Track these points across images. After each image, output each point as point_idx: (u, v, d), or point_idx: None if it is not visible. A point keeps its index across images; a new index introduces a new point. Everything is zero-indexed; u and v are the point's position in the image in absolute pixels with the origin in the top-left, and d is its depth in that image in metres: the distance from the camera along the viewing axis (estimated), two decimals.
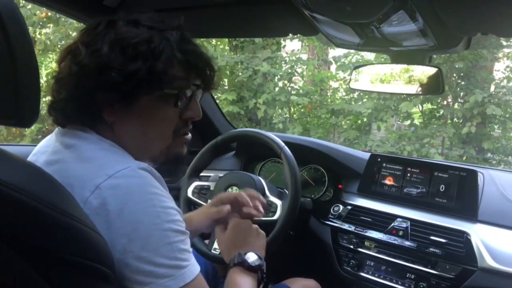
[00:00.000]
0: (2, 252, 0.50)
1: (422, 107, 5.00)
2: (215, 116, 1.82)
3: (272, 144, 1.29)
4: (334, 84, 5.73)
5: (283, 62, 5.60)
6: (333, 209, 1.45)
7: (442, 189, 1.30)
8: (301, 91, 5.45)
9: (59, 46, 5.03)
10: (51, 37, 5.06)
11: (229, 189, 1.29)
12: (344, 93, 5.64)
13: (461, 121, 4.74)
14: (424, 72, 1.12)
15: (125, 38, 0.68)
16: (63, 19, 4.93)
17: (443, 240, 1.21)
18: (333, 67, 5.69)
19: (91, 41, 0.69)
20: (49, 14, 4.98)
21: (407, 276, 1.24)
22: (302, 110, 5.55)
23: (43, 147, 0.76)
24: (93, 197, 0.62)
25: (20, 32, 0.48)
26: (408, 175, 1.38)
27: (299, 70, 5.74)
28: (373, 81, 1.20)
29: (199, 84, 0.77)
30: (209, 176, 1.57)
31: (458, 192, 1.27)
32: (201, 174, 1.41)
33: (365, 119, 5.16)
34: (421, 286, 1.19)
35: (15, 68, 0.48)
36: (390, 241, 1.28)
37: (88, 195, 0.63)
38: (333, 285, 1.32)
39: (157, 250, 0.62)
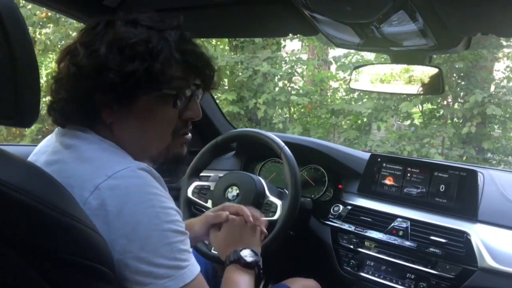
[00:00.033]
0: (2, 252, 0.50)
1: (422, 107, 5.00)
2: (215, 116, 1.82)
3: (272, 144, 1.29)
4: (334, 84, 5.74)
5: (283, 62, 5.60)
6: (333, 209, 1.45)
7: (442, 189, 1.30)
8: (301, 91, 5.45)
9: (59, 46, 5.03)
10: (51, 37, 5.06)
11: (229, 189, 1.29)
12: (344, 93, 5.64)
13: (461, 121, 4.75)
14: (424, 72, 1.12)
15: (123, 39, 0.68)
16: (63, 19, 4.93)
17: (443, 240, 1.21)
18: (333, 67, 5.69)
19: (89, 42, 0.69)
20: (49, 14, 4.98)
21: (407, 276, 1.24)
22: (302, 110, 5.55)
23: (43, 147, 0.76)
24: (92, 197, 0.62)
25: (20, 32, 0.48)
26: (408, 175, 1.38)
27: (299, 70, 5.75)
28: (373, 81, 1.20)
29: (198, 84, 0.77)
30: (209, 176, 1.57)
31: (458, 192, 1.27)
32: (201, 174, 1.41)
33: (365, 119, 5.16)
34: (421, 286, 1.19)
35: (15, 68, 0.48)
36: (390, 241, 1.28)
37: (88, 195, 0.63)
38: (333, 285, 1.32)
39: (156, 251, 0.62)
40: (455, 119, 4.91)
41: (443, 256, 1.19)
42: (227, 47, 5.83)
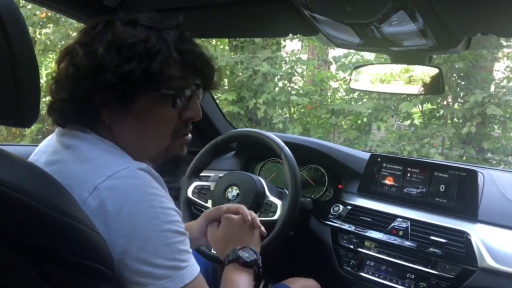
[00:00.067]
0: (2, 252, 0.50)
1: (422, 107, 5.00)
2: (215, 116, 1.82)
3: (272, 144, 1.29)
4: (334, 84, 5.74)
5: (283, 62, 5.60)
6: (333, 209, 1.45)
7: (442, 189, 1.30)
8: (301, 91, 5.45)
9: (59, 46, 5.02)
10: (51, 37, 5.06)
11: (229, 189, 1.29)
12: (344, 93, 5.64)
13: (461, 121, 4.75)
14: (424, 72, 1.12)
15: (121, 39, 0.67)
16: (63, 19, 4.93)
17: (443, 240, 1.21)
18: (333, 67, 5.69)
19: (88, 42, 0.69)
20: (49, 14, 4.98)
21: (407, 276, 1.24)
22: (302, 110, 5.55)
23: (44, 147, 0.76)
24: (91, 198, 0.62)
25: (20, 32, 0.48)
26: (408, 175, 1.38)
27: (299, 70, 5.74)
28: (373, 81, 1.20)
29: (199, 84, 0.76)
30: (209, 176, 1.57)
31: (458, 192, 1.27)
32: (201, 174, 1.41)
33: (365, 119, 5.16)
34: (421, 286, 1.19)
35: (15, 68, 0.48)
36: (390, 241, 1.28)
37: (87, 195, 0.63)
38: (333, 285, 1.32)
39: (155, 251, 0.62)
40: (455, 119, 4.91)
41: (443, 256, 1.19)
42: (227, 47, 5.83)
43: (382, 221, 1.34)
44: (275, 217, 1.20)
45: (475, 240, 1.16)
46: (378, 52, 2.66)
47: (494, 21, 0.92)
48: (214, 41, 5.53)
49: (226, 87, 5.38)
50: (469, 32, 0.99)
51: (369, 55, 4.90)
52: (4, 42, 0.47)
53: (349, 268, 1.34)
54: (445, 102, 5.06)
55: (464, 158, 4.56)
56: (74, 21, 4.18)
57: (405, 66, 1.13)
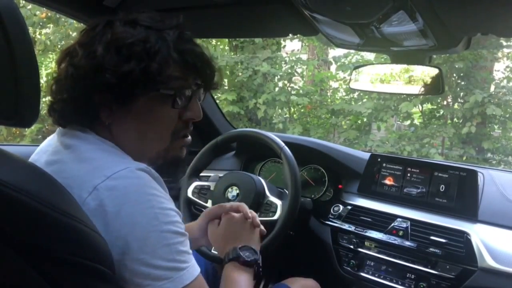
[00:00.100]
0: (2, 252, 0.50)
1: (422, 107, 5.00)
2: (215, 116, 1.82)
3: (272, 144, 1.29)
4: (334, 84, 5.74)
5: (283, 62, 5.60)
6: (333, 209, 1.45)
7: (442, 189, 1.30)
8: (301, 91, 5.45)
9: (59, 46, 5.03)
10: (51, 37, 5.06)
11: (229, 189, 1.29)
12: (344, 93, 5.64)
13: (461, 121, 4.75)
14: (424, 72, 1.12)
15: (120, 39, 0.67)
16: (63, 19, 4.93)
17: (443, 240, 1.21)
18: (333, 67, 5.69)
19: (88, 43, 0.69)
20: (49, 14, 4.98)
21: (407, 276, 1.24)
22: (302, 110, 5.55)
23: (45, 147, 0.76)
24: (90, 198, 0.62)
25: (20, 32, 0.48)
26: (408, 175, 1.38)
27: (299, 70, 5.75)
28: (373, 81, 1.20)
29: (199, 84, 0.76)
30: (209, 176, 1.57)
31: (458, 192, 1.27)
32: (201, 174, 1.41)
33: (365, 119, 5.16)
34: (421, 286, 1.19)
35: (15, 68, 0.48)
36: (390, 241, 1.28)
37: (86, 196, 0.62)
38: (333, 285, 1.32)
39: (155, 252, 0.61)
40: (455, 119, 4.91)
41: (443, 256, 1.19)
42: (227, 47, 5.84)
43: (382, 221, 1.34)
44: (275, 217, 1.20)
45: (475, 240, 1.16)
46: (378, 52, 2.66)
47: (494, 21, 0.92)
48: (214, 41, 5.53)
49: (226, 87, 5.38)
50: (469, 32, 0.99)
51: (369, 55, 4.90)
52: (4, 42, 0.47)
53: (349, 268, 1.34)
54: (445, 102, 5.06)
55: (464, 158, 4.56)
56: (74, 21, 4.18)
57: (405, 66, 1.13)
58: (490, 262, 1.11)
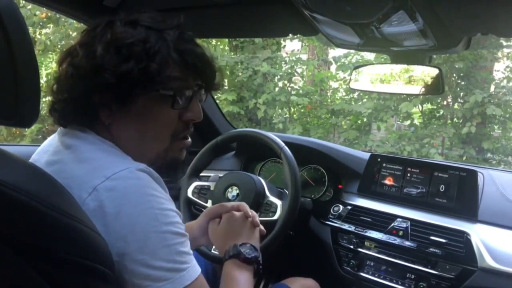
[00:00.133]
0: (1, 252, 0.50)
1: (422, 107, 5.00)
2: (215, 116, 1.82)
3: (272, 144, 1.29)
4: (334, 84, 5.74)
5: (283, 62, 5.60)
6: (333, 209, 1.45)
7: (442, 189, 1.30)
8: (301, 91, 5.45)
9: (59, 46, 5.03)
10: (51, 37, 5.06)
11: (229, 189, 1.29)
12: (344, 93, 5.64)
13: (461, 121, 4.75)
14: (424, 72, 1.12)
15: (120, 39, 0.67)
16: (63, 19, 4.93)
17: (443, 240, 1.21)
18: (333, 67, 5.69)
19: (88, 43, 0.69)
20: (49, 14, 4.98)
21: (407, 276, 1.24)
22: (302, 110, 5.55)
23: (46, 146, 0.76)
24: (90, 199, 0.62)
25: (20, 32, 0.48)
26: (408, 175, 1.38)
27: (299, 70, 5.75)
28: (373, 81, 1.20)
29: (200, 85, 0.76)
30: (209, 176, 1.57)
31: (458, 192, 1.27)
32: (201, 174, 1.41)
33: (365, 119, 5.16)
34: (421, 286, 1.19)
35: (15, 68, 0.48)
36: (390, 241, 1.28)
37: (86, 196, 0.62)
38: (333, 285, 1.32)
39: (154, 253, 0.61)
40: (455, 119, 4.92)
41: (443, 256, 1.19)
42: (227, 47, 5.84)
43: (382, 221, 1.34)
44: (275, 217, 1.20)
45: (475, 240, 1.16)
46: (378, 52, 2.66)
47: (494, 21, 0.92)
48: (214, 41, 5.53)
49: (226, 87, 5.38)
50: (469, 32, 0.99)
51: (369, 55, 4.90)
52: (4, 42, 0.47)
53: (349, 268, 1.34)
54: (445, 102, 5.06)
55: (464, 158, 4.56)
56: (74, 21, 4.18)
57: (405, 66, 1.13)
58: (490, 262, 1.11)
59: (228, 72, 5.34)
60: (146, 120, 0.72)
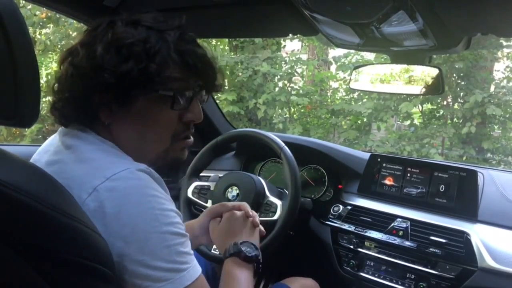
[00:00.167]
0: (2, 252, 0.50)
1: (422, 107, 5.00)
2: (215, 116, 1.82)
3: (272, 144, 1.29)
4: (334, 84, 5.73)
5: (283, 62, 5.60)
6: (333, 209, 1.45)
7: (442, 189, 1.30)
8: (301, 91, 5.45)
9: (59, 46, 5.03)
10: (51, 37, 5.06)
11: (229, 189, 1.29)
12: (344, 93, 5.64)
13: (461, 121, 4.75)
14: (424, 72, 1.12)
15: (120, 39, 0.67)
16: (63, 19, 4.93)
17: (443, 240, 1.21)
18: (333, 67, 5.69)
19: (89, 43, 0.69)
20: (49, 14, 4.98)
21: (407, 276, 1.24)
22: (302, 110, 5.55)
23: (47, 146, 0.76)
24: (90, 199, 0.62)
25: (20, 32, 0.48)
26: (408, 175, 1.38)
27: (299, 70, 5.74)
28: (373, 81, 1.20)
29: (201, 86, 0.76)
30: (209, 176, 1.57)
31: (458, 192, 1.27)
32: (201, 174, 1.41)
33: (365, 119, 5.16)
34: (421, 286, 1.19)
35: (15, 68, 0.48)
36: (390, 241, 1.28)
37: (86, 197, 0.62)
38: (333, 285, 1.32)
39: (154, 253, 0.61)
40: (455, 119, 4.91)
41: (443, 256, 1.19)
42: (227, 47, 5.84)
43: (382, 221, 1.34)
44: (275, 217, 1.20)
45: (475, 240, 1.16)
46: (378, 52, 2.66)
47: (494, 21, 0.92)
48: (214, 41, 5.53)
49: (226, 87, 5.37)
50: (469, 32, 0.99)
51: (369, 55, 4.90)
52: (4, 42, 0.47)
53: (349, 268, 1.34)
54: (445, 102, 5.06)
55: (464, 158, 4.56)
56: (74, 21, 4.18)
57: (405, 66, 1.13)
58: (490, 262, 1.11)
59: (228, 72, 5.34)
60: (146, 120, 0.72)
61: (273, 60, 5.40)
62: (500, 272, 1.10)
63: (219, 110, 1.88)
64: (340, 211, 1.43)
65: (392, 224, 1.31)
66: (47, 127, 4.66)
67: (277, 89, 5.44)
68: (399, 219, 1.31)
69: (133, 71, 0.66)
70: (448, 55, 4.38)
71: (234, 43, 5.52)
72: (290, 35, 1.29)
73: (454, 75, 4.88)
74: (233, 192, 1.27)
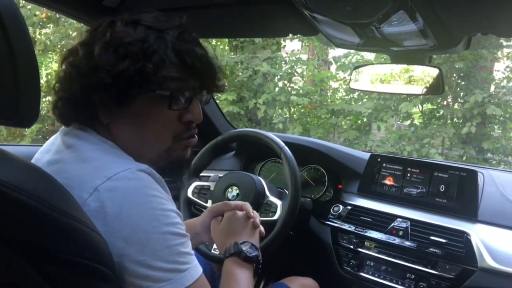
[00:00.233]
0: (2, 252, 0.50)
1: (422, 107, 5.00)
2: (215, 116, 1.82)
3: (272, 144, 1.29)
4: (334, 84, 5.74)
5: (283, 62, 5.60)
6: (333, 209, 1.45)
7: (442, 189, 1.30)
8: (301, 91, 5.45)
9: (59, 46, 5.03)
10: (51, 37, 5.06)
11: (229, 189, 1.29)
12: (344, 93, 5.64)
13: (461, 121, 4.74)
14: (424, 72, 1.12)
15: (118, 38, 0.67)
16: (63, 19, 4.93)
17: (443, 240, 1.21)
18: (333, 67, 5.69)
19: (89, 42, 0.69)
20: (49, 14, 4.98)
21: (407, 276, 1.24)
22: (302, 110, 5.55)
23: (48, 146, 0.76)
24: (91, 199, 0.62)
25: (20, 32, 0.48)
26: (408, 175, 1.38)
27: (299, 70, 5.74)
28: (373, 81, 1.20)
29: (201, 86, 0.75)
30: (209, 176, 1.57)
31: (458, 192, 1.27)
32: (201, 174, 1.41)
33: (365, 119, 5.16)
34: (421, 286, 1.19)
35: (15, 68, 0.48)
36: (390, 241, 1.28)
37: (87, 197, 0.62)
38: (333, 285, 1.32)
39: (155, 254, 0.61)
40: (455, 119, 4.91)
41: (443, 256, 1.19)
42: (227, 47, 5.83)
43: (382, 221, 1.34)
44: (275, 217, 1.20)
45: (475, 240, 1.16)
46: (378, 52, 2.66)
47: (494, 21, 0.92)
48: (214, 41, 5.53)
49: (226, 87, 5.37)
50: (469, 32, 0.99)
51: (369, 55, 4.90)
52: (4, 42, 0.47)
53: (349, 268, 1.34)
54: (445, 102, 5.06)
55: (464, 158, 4.56)
56: (74, 21, 4.18)
57: (405, 66, 1.13)
58: (490, 262, 1.11)
59: (228, 72, 5.34)
60: (144, 120, 0.72)
61: (273, 60, 5.40)
62: (500, 272, 1.10)
63: (219, 110, 1.88)
64: (340, 211, 1.43)
65: (392, 224, 1.31)
66: (47, 127, 4.67)
67: (277, 89, 5.44)
68: (399, 219, 1.31)
69: (130, 70, 0.66)
70: (448, 55, 4.38)
71: (234, 43, 5.52)
72: (290, 35, 1.29)
73: (454, 75, 4.88)
74: (233, 192, 1.28)
